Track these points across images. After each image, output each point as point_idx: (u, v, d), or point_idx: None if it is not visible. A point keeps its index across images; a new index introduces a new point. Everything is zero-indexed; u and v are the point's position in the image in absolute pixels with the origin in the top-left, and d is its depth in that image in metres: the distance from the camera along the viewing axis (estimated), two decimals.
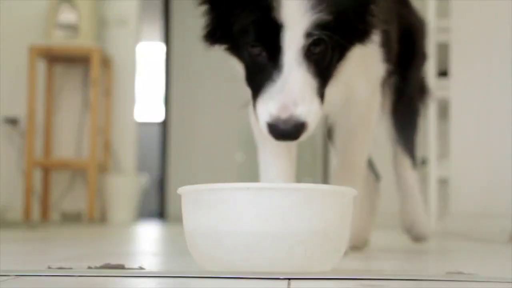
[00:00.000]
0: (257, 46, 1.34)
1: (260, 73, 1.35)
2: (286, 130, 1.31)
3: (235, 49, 1.43)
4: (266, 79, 1.33)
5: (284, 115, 1.30)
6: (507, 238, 2.59)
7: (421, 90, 2.28)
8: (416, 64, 2.16)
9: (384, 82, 1.79)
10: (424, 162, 4.84)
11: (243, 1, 1.34)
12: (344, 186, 1.57)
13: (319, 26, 1.31)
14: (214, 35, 1.44)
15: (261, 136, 1.61)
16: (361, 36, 1.43)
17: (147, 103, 8.39)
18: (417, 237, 2.14)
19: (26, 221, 4.74)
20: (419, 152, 4.85)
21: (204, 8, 1.43)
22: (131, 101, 5.60)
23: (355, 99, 1.68)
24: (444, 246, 2.58)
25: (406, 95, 2.08)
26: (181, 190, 1.15)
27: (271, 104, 1.31)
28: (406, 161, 2.16)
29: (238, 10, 1.35)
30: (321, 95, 1.37)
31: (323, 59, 1.36)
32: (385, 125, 2.09)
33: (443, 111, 4.28)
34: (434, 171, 4.41)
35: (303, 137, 1.34)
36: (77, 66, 5.39)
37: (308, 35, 1.31)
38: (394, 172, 2.16)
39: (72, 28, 5.04)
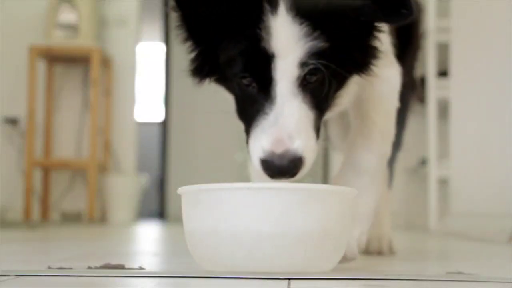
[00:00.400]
0: (246, 77, 1.25)
1: (252, 106, 1.25)
2: (282, 166, 1.19)
3: (224, 81, 1.35)
4: (258, 112, 1.23)
5: (278, 150, 1.19)
6: (507, 238, 2.59)
7: (411, 86, 2.04)
8: (410, 49, 1.90)
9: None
10: (424, 162, 4.84)
11: (229, 33, 1.25)
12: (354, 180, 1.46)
13: (315, 54, 1.21)
14: (202, 71, 1.35)
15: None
16: (360, 67, 1.31)
17: (147, 103, 8.39)
18: (372, 252, 1.90)
19: (26, 221, 4.74)
20: (419, 152, 4.89)
21: (189, 44, 1.34)
22: (131, 101, 5.60)
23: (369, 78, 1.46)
24: (444, 246, 2.58)
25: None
26: (181, 190, 1.15)
27: (264, 139, 1.20)
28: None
29: (224, 43, 1.26)
30: (317, 129, 1.27)
31: (320, 89, 1.25)
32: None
33: (443, 111, 4.28)
34: (434, 171, 4.41)
35: (300, 174, 1.21)
36: (77, 66, 5.39)
37: (303, 64, 1.21)
38: None
39: (72, 28, 5.04)
